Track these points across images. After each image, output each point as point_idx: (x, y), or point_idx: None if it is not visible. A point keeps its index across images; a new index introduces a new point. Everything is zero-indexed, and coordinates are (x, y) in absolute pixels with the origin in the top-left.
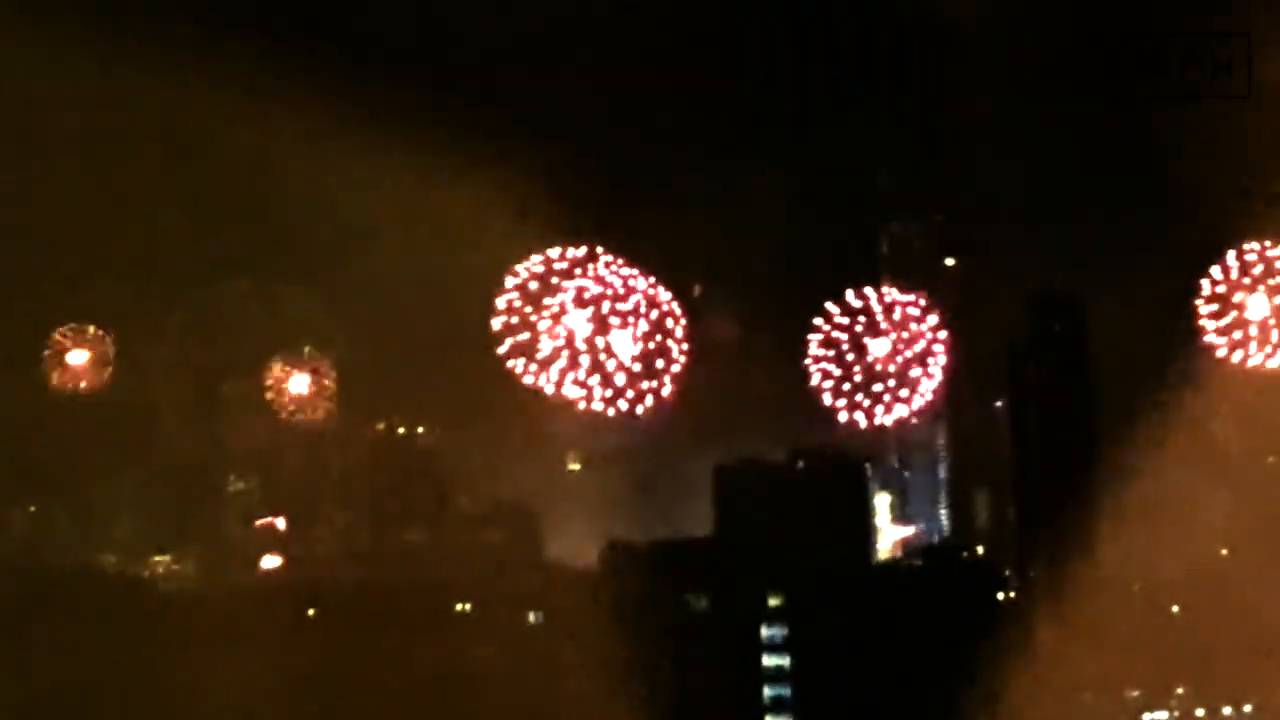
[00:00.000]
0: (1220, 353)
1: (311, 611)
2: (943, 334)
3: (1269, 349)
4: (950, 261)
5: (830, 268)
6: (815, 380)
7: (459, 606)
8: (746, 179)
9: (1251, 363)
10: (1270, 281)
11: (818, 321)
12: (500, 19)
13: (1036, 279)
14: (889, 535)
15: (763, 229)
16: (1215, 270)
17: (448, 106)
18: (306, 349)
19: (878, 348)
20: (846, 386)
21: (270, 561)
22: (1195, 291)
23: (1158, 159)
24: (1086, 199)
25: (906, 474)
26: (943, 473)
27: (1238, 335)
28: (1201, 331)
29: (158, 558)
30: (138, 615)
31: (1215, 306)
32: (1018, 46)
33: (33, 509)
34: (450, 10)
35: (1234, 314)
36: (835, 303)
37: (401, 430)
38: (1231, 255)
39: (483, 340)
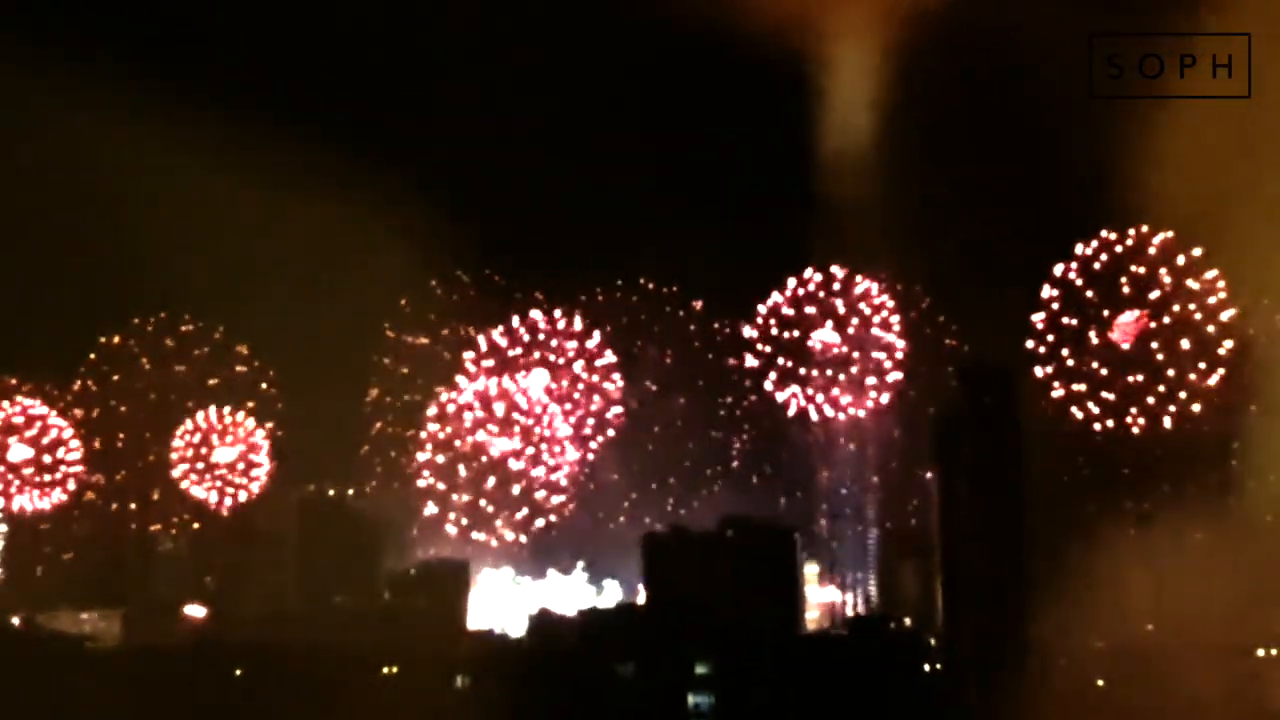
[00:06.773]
0: None
1: (239, 671)
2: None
3: None
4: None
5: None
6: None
7: (385, 669)
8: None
9: None
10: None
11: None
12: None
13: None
14: (817, 604)
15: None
16: None
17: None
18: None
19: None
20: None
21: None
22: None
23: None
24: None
25: (835, 544)
26: (871, 542)
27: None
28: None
29: (85, 615)
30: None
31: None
32: None
33: None
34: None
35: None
36: None
37: (332, 492)
38: None
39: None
